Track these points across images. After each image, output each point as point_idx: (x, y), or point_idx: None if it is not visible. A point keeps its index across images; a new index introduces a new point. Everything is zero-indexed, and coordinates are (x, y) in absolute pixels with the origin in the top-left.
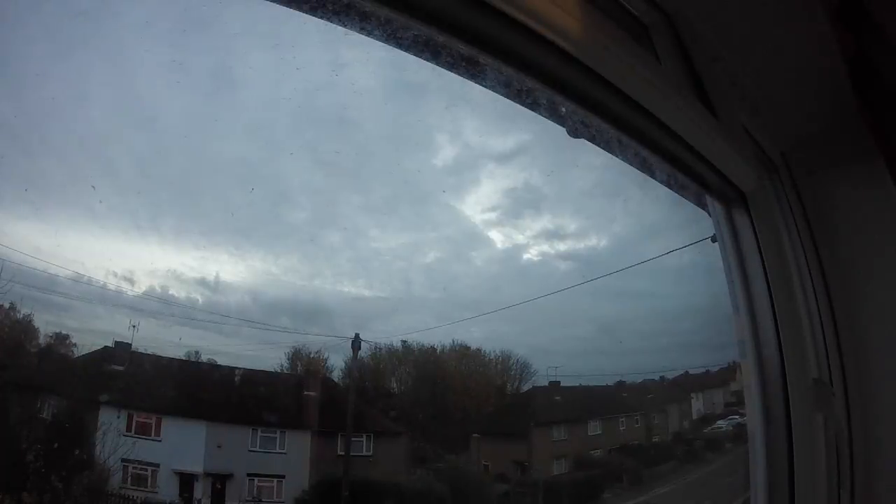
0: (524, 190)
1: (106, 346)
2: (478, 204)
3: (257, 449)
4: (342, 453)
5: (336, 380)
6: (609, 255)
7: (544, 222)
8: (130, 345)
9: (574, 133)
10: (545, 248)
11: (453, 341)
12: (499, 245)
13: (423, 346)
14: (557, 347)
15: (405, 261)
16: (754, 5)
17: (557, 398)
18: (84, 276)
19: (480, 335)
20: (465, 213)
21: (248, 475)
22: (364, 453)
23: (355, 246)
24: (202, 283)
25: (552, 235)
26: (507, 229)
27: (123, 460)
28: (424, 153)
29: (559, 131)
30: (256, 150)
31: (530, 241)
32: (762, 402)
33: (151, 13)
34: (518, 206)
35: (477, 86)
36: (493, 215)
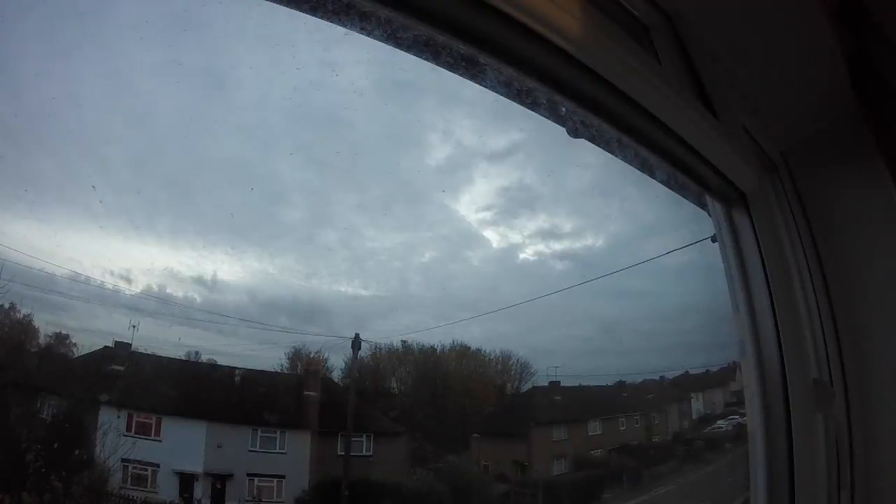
0: (523, 190)
1: (106, 346)
2: (474, 203)
3: (257, 449)
4: (342, 453)
5: (336, 380)
6: (609, 254)
7: (541, 222)
8: (130, 345)
9: (574, 133)
10: (543, 247)
11: (453, 341)
12: (500, 244)
13: (422, 346)
14: (557, 347)
15: (402, 260)
16: (754, 5)
17: (557, 398)
18: (82, 275)
19: (480, 335)
20: (463, 213)
21: (248, 475)
22: (364, 453)
23: (351, 245)
24: (200, 282)
25: (550, 235)
26: (503, 229)
27: (123, 460)
28: (424, 153)
29: (559, 131)
30: (256, 150)
31: (527, 241)
32: (762, 402)
33: (151, 13)
34: (515, 205)
35: (477, 86)
36: (488, 214)
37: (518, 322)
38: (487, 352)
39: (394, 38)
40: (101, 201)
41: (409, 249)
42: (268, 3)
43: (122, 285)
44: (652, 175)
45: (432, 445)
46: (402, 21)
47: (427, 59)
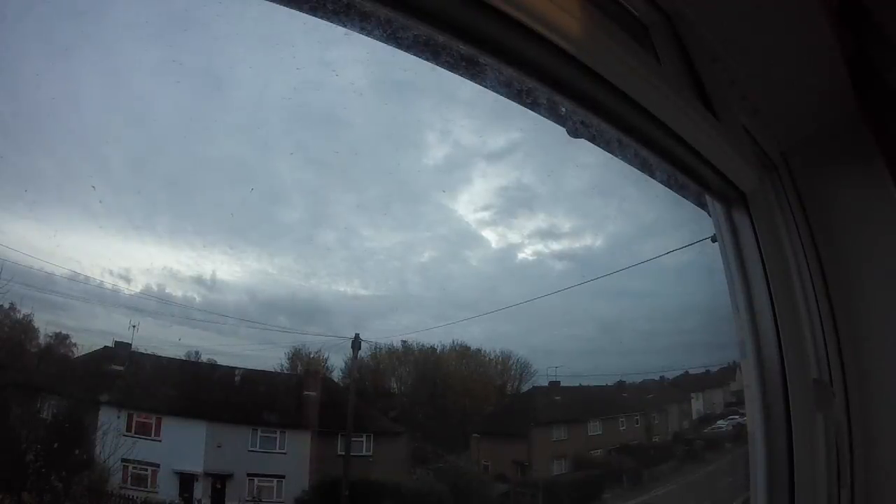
0: (523, 190)
1: (106, 346)
2: (473, 203)
3: (257, 449)
4: (342, 453)
5: (336, 380)
6: (609, 254)
7: (540, 222)
8: (130, 345)
9: (574, 133)
10: (542, 247)
11: (453, 341)
12: (500, 244)
13: (422, 346)
14: (557, 347)
15: (401, 260)
16: (754, 5)
17: (557, 398)
18: (81, 275)
19: (480, 335)
20: (462, 213)
21: (248, 475)
22: (364, 453)
23: (350, 245)
24: (199, 281)
25: (549, 235)
26: (502, 229)
27: (123, 460)
28: (423, 153)
29: (559, 131)
30: (255, 150)
31: (527, 241)
32: (762, 402)
33: (150, 13)
34: (515, 205)
35: (477, 86)
36: (487, 214)
37: (518, 322)
38: (487, 352)
39: (394, 38)
40: (100, 201)
41: (409, 249)
42: (267, 2)
43: (122, 285)
44: (652, 175)
45: (432, 445)
46: (402, 21)
47: (427, 59)
